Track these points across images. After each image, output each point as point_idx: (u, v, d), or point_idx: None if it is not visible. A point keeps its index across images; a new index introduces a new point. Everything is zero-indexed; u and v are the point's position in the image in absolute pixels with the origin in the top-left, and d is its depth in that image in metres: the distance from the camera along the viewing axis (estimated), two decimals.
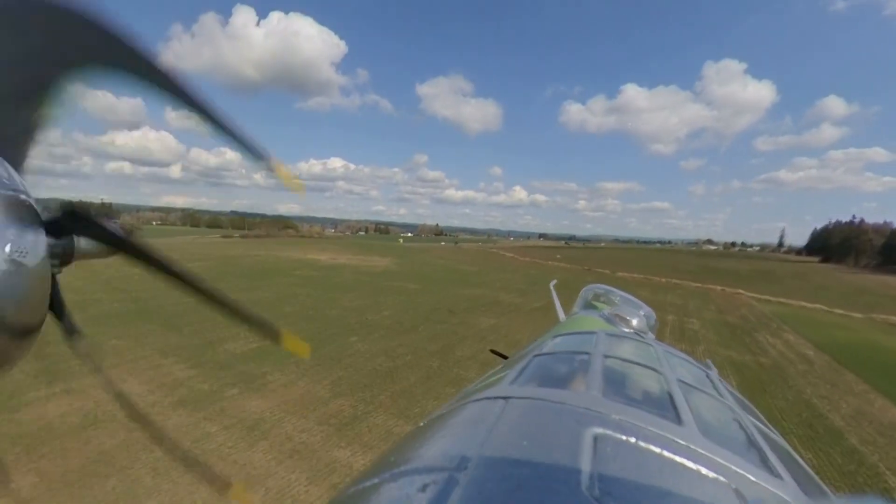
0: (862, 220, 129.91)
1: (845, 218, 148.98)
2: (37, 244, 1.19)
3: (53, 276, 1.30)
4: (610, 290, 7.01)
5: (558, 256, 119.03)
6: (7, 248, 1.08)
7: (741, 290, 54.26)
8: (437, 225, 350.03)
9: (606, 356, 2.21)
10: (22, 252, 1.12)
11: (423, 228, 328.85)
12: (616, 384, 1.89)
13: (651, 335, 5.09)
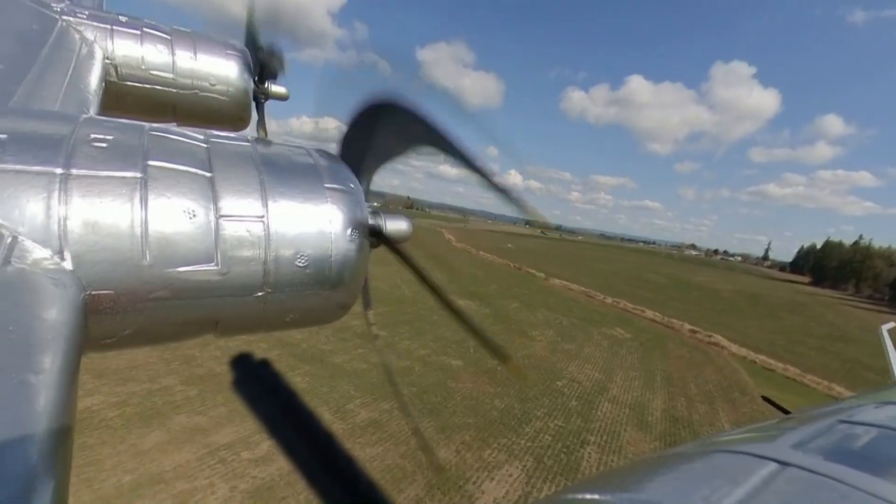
0: (869, 243, 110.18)
1: (819, 238, 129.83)
2: (364, 229, 1.77)
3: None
4: None
5: (510, 246, 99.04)
6: (349, 231, 1.69)
7: (720, 337, 32.63)
8: (408, 198, 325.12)
9: None
10: (356, 234, 1.71)
11: (390, 199, 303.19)
12: None
13: None
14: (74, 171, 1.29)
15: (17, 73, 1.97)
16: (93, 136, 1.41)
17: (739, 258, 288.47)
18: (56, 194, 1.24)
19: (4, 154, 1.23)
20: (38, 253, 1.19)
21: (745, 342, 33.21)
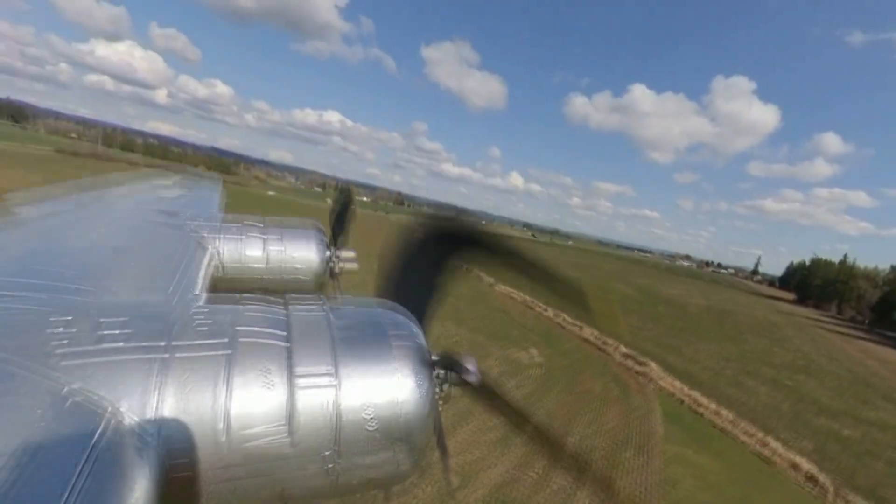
0: (854, 262, 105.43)
1: (808, 256, 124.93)
2: (430, 379, 1.77)
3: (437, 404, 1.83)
4: None
5: None
6: (415, 383, 1.68)
7: (654, 365, 27.71)
8: (399, 193, 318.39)
9: None
10: (423, 385, 1.71)
11: (381, 194, 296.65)
12: None
13: None
14: (174, 343, 1.47)
15: (146, 264, 2.52)
16: (193, 311, 1.69)
17: (732, 271, 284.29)
18: (156, 368, 1.39)
19: (122, 332, 1.44)
20: (132, 423, 1.29)
21: (684, 371, 28.38)
